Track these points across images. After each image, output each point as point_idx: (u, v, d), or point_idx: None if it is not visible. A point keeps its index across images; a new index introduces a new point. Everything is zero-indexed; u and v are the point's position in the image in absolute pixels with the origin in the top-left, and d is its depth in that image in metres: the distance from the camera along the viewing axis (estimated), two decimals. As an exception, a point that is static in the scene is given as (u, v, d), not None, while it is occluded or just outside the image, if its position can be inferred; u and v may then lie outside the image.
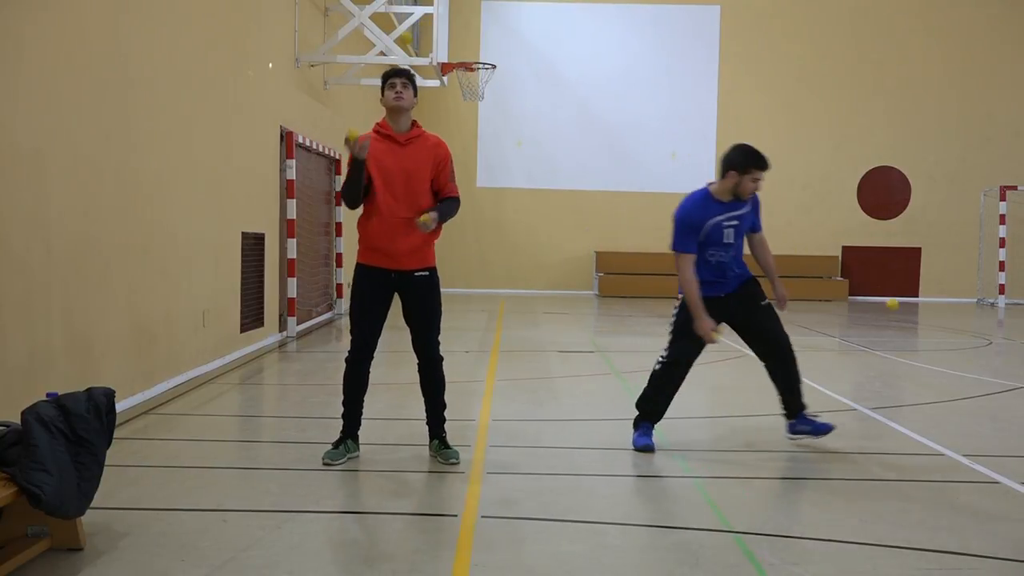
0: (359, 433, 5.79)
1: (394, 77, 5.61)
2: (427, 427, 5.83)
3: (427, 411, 5.81)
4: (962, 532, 4.50)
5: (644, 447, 5.94)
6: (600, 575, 3.93)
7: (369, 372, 5.76)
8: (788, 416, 6.15)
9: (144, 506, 4.72)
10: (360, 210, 5.66)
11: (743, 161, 5.81)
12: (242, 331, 10.21)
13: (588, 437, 6.54)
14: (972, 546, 4.29)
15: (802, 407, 6.11)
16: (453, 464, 5.59)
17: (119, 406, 5.65)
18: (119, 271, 6.98)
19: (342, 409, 5.73)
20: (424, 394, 5.80)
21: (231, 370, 9.25)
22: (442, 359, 5.78)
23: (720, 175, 5.91)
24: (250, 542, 4.22)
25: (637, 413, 6.15)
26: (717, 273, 5.98)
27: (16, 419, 4.14)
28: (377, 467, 5.57)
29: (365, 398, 5.77)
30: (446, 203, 5.60)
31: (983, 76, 21.66)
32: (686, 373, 6.12)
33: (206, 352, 8.96)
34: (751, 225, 6.12)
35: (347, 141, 5.34)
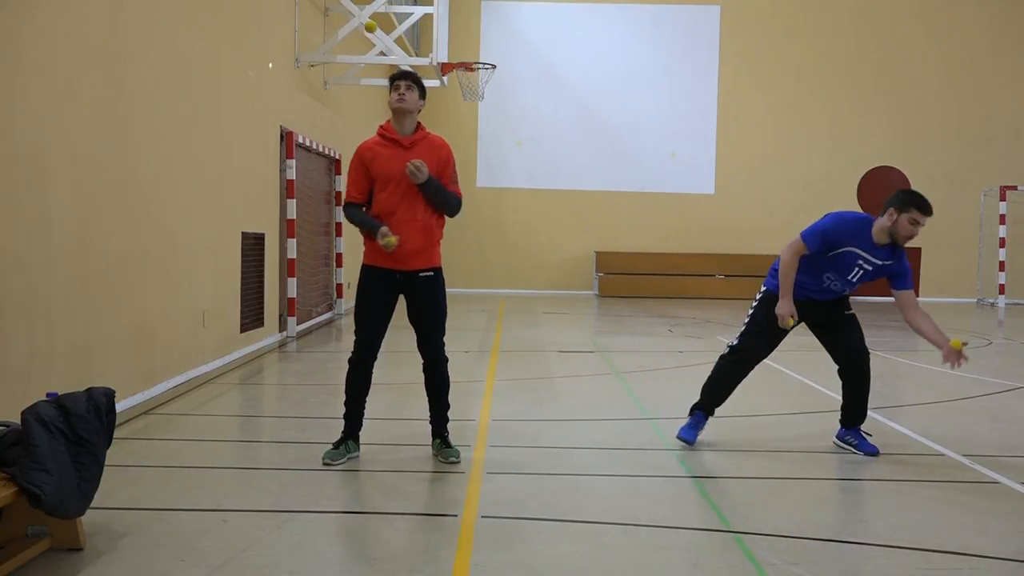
0: (360, 434, 5.78)
1: (399, 79, 5.62)
2: (430, 426, 5.84)
3: (431, 411, 5.82)
4: (962, 532, 4.50)
5: (683, 438, 6.06)
6: (600, 575, 3.93)
7: (372, 373, 5.76)
8: (843, 424, 6.12)
9: (144, 506, 4.72)
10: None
11: (904, 199, 5.68)
12: (242, 331, 10.21)
13: (588, 437, 6.54)
14: (972, 546, 4.29)
15: (860, 420, 6.07)
16: (454, 463, 5.59)
17: (119, 406, 5.64)
18: (119, 271, 6.98)
19: (344, 409, 5.73)
20: (428, 394, 5.81)
21: (231, 370, 9.25)
22: (447, 360, 5.79)
23: (881, 214, 5.77)
24: (250, 542, 4.22)
25: (697, 401, 6.23)
26: (817, 289, 5.95)
27: (16, 419, 4.14)
28: (377, 467, 5.56)
29: (367, 399, 5.77)
30: (446, 189, 5.59)
31: (983, 76, 21.66)
32: (749, 371, 6.16)
33: (206, 352, 8.96)
34: (894, 280, 5.90)
35: (385, 244, 5.37)
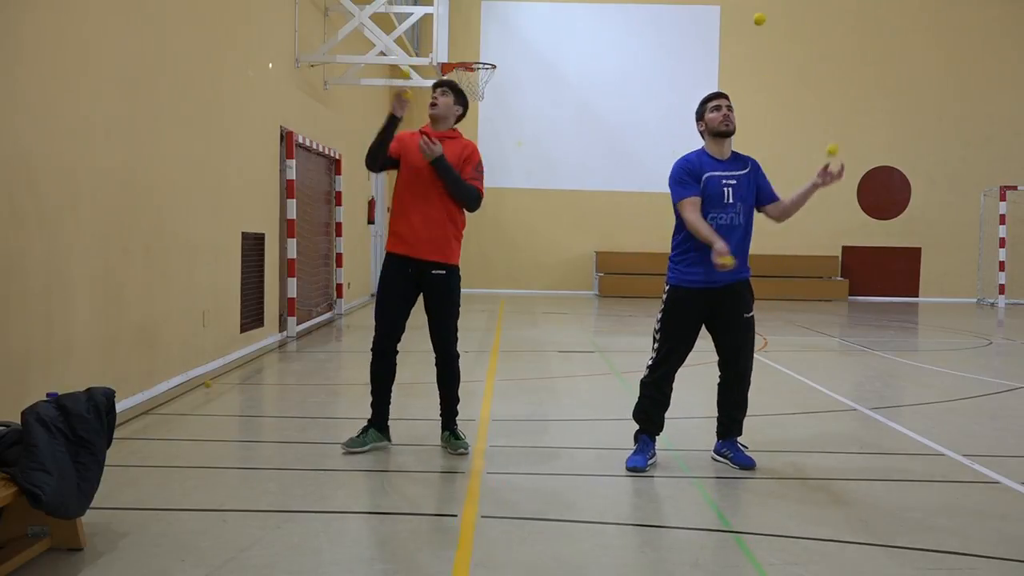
0: (389, 425, 6.00)
1: (435, 87, 6.01)
2: (440, 419, 6.05)
3: (441, 404, 6.04)
4: (962, 532, 4.50)
5: (634, 467, 5.52)
6: (600, 575, 3.93)
7: (395, 363, 6.00)
8: (720, 435, 5.81)
9: (144, 506, 4.72)
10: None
11: (699, 106, 5.88)
12: (242, 331, 10.21)
13: (588, 437, 6.54)
14: (972, 546, 4.29)
15: (738, 433, 5.80)
16: (463, 454, 5.79)
17: (119, 406, 5.65)
18: (119, 271, 6.98)
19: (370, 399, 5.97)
20: (439, 387, 6.03)
21: (231, 370, 9.25)
22: (458, 356, 6.01)
23: (701, 136, 5.85)
24: (250, 542, 4.22)
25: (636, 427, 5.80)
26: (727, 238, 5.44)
27: (16, 419, 4.14)
28: (377, 467, 5.57)
29: (393, 388, 5.99)
30: (460, 177, 5.82)
31: (983, 76, 21.66)
32: (673, 381, 5.77)
33: (206, 352, 8.96)
34: (764, 193, 5.78)
35: (399, 96, 5.67)
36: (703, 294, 5.58)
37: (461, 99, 6.02)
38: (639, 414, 5.78)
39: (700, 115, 5.88)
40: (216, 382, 8.46)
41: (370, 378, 5.97)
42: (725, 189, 5.60)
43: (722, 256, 5.24)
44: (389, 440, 6.00)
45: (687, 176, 5.62)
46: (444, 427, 6.02)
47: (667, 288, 5.72)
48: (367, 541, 4.34)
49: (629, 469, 5.54)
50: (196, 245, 8.68)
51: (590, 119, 21.71)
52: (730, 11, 21.68)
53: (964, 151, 21.72)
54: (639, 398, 5.81)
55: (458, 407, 6.04)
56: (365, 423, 5.96)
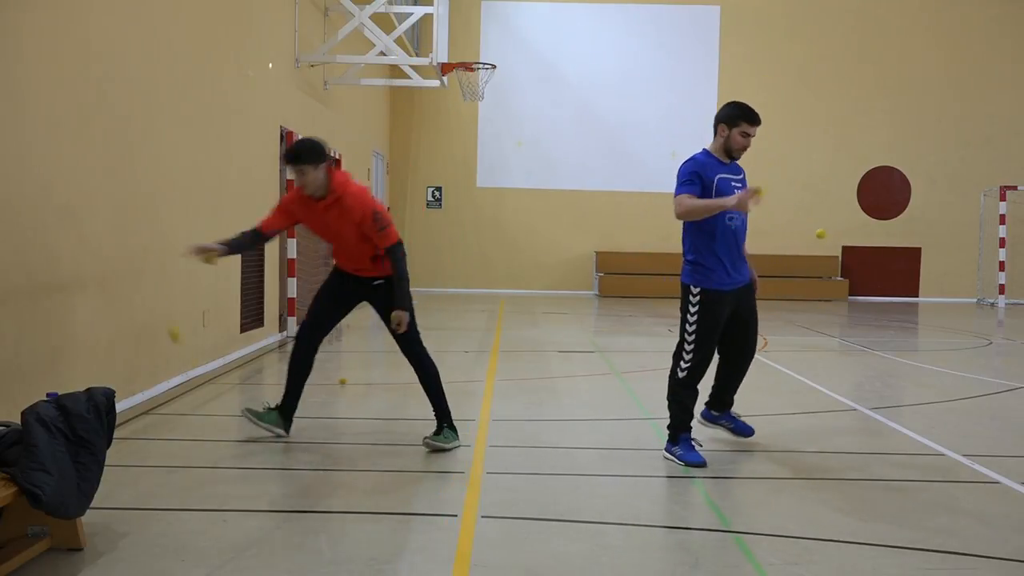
0: (294, 418, 6.19)
1: (288, 162, 5.88)
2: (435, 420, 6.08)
3: (431, 404, 6.05)
4: (962, 532, 4.50)
5: (695, 463, 5.61)
6: (600, 575, 3.93)
7: (310, 358, 6.13)
8: (717, 408, 6.26)
9: (144, 506, 4.72)
10: None
11: (732, 114, 5.72)
12: (242, 331, 10.21)
13: (588, 437, 6.54)
14: (972, 546, 4.30)
15: (731, 403, 6.29)
16: (447, 446, 5.85)
17: (119, 406, 5.65)
18: (119, 271, 6.98)
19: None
20: (424, 389, 6.05)
21: (231, 370, 9.25)
22: (425, 351, 6.00)
23: (713, 133, 5.82)
24: (250, 542, 4.23)
25: (672, 432, 5.82)
26: (731, 250, 5.71)
27: (16, 419, 4.14)
28: (377, 467, 5.57)
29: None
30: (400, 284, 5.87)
31: (983, 76, 21.66)
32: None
33: (206, 352, 8.96)
34: None
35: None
36: (732, 294, 5.79)
37: (316, 156, 5.74)
38: (682, 416, 5.78)
39: (729, 123, 5.74)
40: (215, 382, 8.46)
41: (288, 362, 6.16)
42: (735, 191, 5.65)
43: (752, 194, 5.37)
44: (286, 432, 6.09)
45: (696, 177, 5.66)
46: (438, 426, 5.99)
47: (696, 290, 5.72)
48: (367, 541, 4.34)
49: (694, 465, 5.61)
50: (196, 245, 8.66)
51: (590, 119, 21.70)
52: (730, 11, 21.68)
53: (964, 151, 21.72)
54: (678, 403, 5.78)
55: (448, 403, 6.04)
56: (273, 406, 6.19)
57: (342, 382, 8.19)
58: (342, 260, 6.10)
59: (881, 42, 21.71)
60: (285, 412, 6.16)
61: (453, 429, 5.99)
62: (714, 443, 6.20)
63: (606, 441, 6.36)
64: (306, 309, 12.81)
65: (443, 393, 6.03)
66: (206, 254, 5.66)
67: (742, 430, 6.23)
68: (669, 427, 5.83)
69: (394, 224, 5.95)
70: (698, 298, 5.69)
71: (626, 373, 9.38)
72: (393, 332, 5.85)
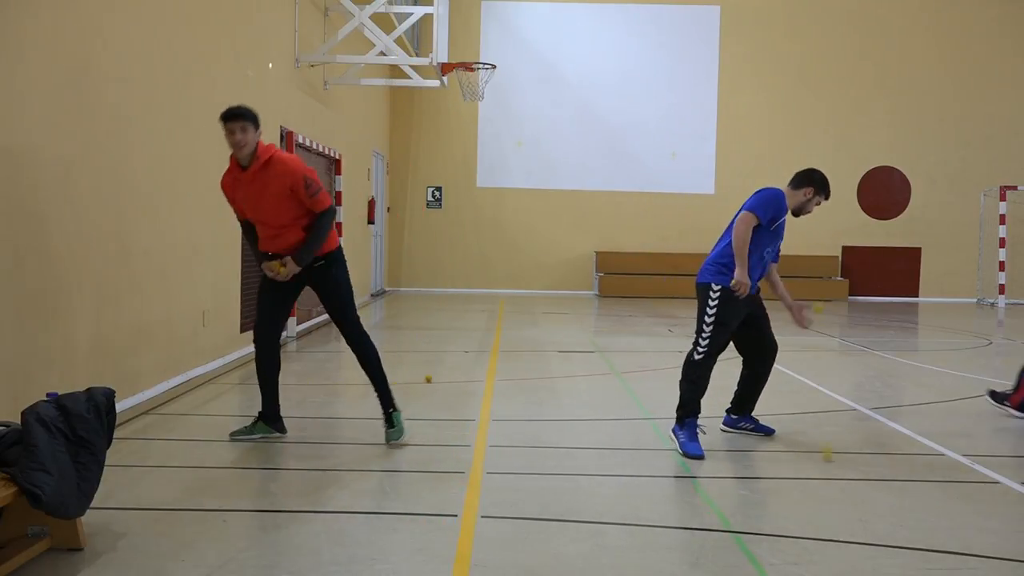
0: (282, 415, 6.27)
1: (226, 121, 5.68)
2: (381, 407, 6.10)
3: (374, 388, 6.06)
4: (962, 532, 4.50)
5: (695, 455, 5.80)
6: (600, 575, 3.93)
7: (275, 356, 6.24)
8: (739, 412, 6.49)
9: (144, 506, 4.72)
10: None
11: (824, 186, 6.25)
12: (242, 331, 10.21)
13: (588, 437, 6.54)
14: (972, 546, 4.30)
15: (752, 410, 6.52)
16: (397, 443, 5.89)
17: (119, 406, 5.65)
18: (119, 271, 6.98)
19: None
20: (366, 373, 6.06)
21: (231, 370, 9.25)
22: (367, 335, 6.03)
23: (794, 186, 6.27)
24: (250, 542, 4.22)
25: (680, 413, 6.05)
26: (755, 271, 6.17)
27: (16, 419, 4.14)
28: (377, 467, 5.57)
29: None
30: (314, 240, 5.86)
31: (983, 76, 21.66)
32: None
33: (206, 352, 8.96)
34: (775, 249, 6.35)
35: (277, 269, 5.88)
36: (748, 297, 6.11)
37: (256, 119, 5.73)
38: (692, 398, 6.03)
39: (818, 191, 6.27)
40: (215, 383, 8.46)
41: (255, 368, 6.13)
42: (783, 232, 6.25)
43: (739, 284, 5.90)
44: (282, 432, 6.13)
45: (772, 210, 6.05)
46: (384, 413, 6.02)
47: (717, 287, 6.05)
48: (367, 541, 4.34)
49: (692, 457, 5.79)
50: (196, 245, 8.67)
51: (590, 119, 21.70)
52: (730, 11, 21.68)
53: (964, 151, 21.72)
54: (691, 384, 6.05)
55: (390, 386, 6.05)
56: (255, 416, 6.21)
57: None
58: (272, 244, 5.95)
59: (881, 42, 21.71)
60: (269, 418, 6.20)
61: (398, 411, 6.03)
62: (714, 443, 6.20)
63: (606, 441, 6.36)
64: (306, 309, 12.68)
65: (386, 378, 6.07)
66: (276, 264, 5.81)
67: (763, 430, 6.49)
68: (678, 408, 6.08)
69: (326, 190, 5.95)
70: (719, 294, 6.04)
71: (626, 373, 9.38)
72: (333, 315, 5.97)
